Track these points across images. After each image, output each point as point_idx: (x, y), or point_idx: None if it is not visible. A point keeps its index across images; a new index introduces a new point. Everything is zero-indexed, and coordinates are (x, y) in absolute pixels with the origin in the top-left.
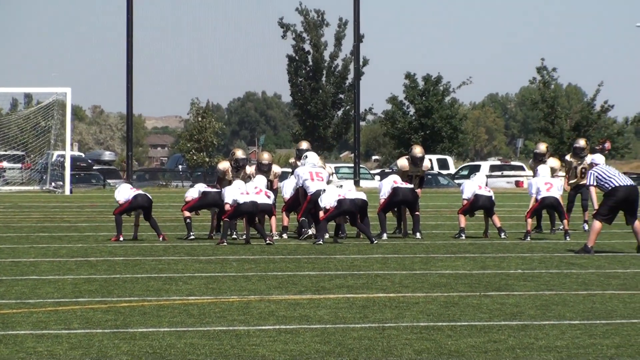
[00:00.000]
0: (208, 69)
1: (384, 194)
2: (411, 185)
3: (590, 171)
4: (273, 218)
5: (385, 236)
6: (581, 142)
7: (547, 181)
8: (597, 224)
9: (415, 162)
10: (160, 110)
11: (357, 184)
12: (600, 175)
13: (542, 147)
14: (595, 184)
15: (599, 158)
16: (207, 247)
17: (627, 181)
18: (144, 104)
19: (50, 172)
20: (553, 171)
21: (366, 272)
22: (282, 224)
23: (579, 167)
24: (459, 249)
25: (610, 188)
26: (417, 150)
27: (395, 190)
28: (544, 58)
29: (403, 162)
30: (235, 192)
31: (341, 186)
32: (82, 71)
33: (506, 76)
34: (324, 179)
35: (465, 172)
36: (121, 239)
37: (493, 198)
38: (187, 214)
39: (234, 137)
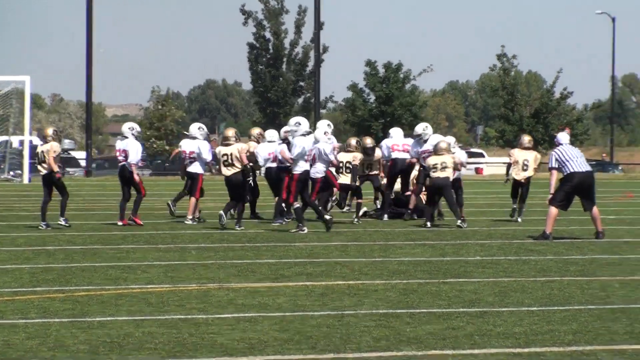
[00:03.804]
0: (168, 57)
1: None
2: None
3: (551, 152)
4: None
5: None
6: (368, 141)
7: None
8: (553, 210)
9: (367, 152)
10: (120, 98)
11: None
12: (560, 157)
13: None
14: (556, 166)
15: (563, 137)
16: (165, 235)
17: (584, 167)
18: (104, 92)
19: (8, 161)
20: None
21: (325, 260)
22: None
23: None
24: (418, 237)
25: (566, 173)
26: (368, 141)
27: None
28: (504, 45)
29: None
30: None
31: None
32: (41, 59)
33: (466, 63)
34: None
35: None
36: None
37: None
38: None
39: None
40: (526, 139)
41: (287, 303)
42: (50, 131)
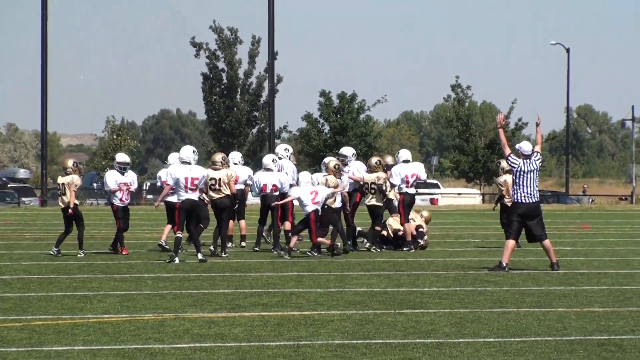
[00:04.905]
0: (123, 87)
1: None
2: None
3: (515, 161)
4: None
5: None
6: (389, 159)
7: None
8: (510, 242)
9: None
10: (75, 127)
11: None
12: (516, 173)
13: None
14: (510, 167)
15: (526, 146)
16: (121, 265)
17: (531, 198)
18: (59, 122)
19: None
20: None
21: (281, 290)
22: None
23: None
24: (373, 267)
25: (513, 200)
26: (389, 159)
27: None
28: (458, 76)
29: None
30: None
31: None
32: None
33: (421, 94)
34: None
35: None
36: None
37: None
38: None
39: (149, 155)
40: (504, 163)
41: (243, 333)
42: (70, 163)
